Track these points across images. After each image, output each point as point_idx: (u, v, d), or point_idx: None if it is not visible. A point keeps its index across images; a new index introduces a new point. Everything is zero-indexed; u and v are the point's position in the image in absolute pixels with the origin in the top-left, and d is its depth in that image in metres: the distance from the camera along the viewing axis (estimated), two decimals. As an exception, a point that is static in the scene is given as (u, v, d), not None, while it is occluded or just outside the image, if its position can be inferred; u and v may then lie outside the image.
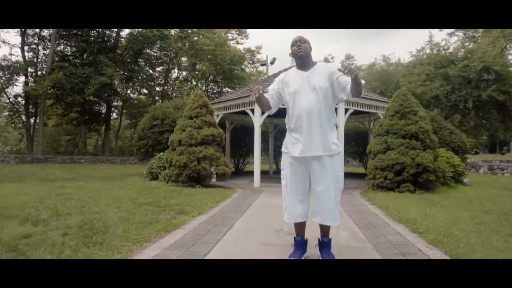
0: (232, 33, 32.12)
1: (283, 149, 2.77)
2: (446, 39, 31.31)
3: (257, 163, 8.58)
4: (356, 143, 13.37)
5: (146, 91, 29.64)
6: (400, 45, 70.37)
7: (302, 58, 2.67)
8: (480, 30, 27.94)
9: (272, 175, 12.33)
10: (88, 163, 19.49)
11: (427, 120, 7.56)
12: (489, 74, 17.06)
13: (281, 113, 2.85)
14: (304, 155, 2.54)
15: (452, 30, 28.48)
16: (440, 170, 7.20)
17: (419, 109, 7.55)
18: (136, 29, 24.37)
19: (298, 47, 2.66)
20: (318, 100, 2.50)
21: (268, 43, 67.70)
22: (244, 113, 10.02)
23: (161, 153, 9.44)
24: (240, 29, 31.69)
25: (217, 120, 9.63)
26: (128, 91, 26.74)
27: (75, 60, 21.93)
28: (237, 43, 32.34)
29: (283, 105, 2.78)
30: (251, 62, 34.06)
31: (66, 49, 22.29)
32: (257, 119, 8.45)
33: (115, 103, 26.01)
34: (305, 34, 2.84)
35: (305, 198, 2.69)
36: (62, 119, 24.83)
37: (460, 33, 28.51)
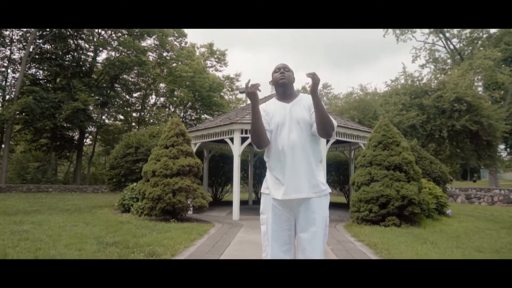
0: (211, 60, 32.26)
1: (263, 190, 2.41)
2: (419, 70, 32.60)
3: (236, 195, 8.16)
4: (336, 173, 13.21)
5: (122, 117, 28.91)
6: (376, 74, 73.01)
7: (284, 87, 2.39)
8: (449, 62, 29.32)
9: (251, 206, 11.87)
10: (56, 192, 18.39)
11: (410, 151, 7.44)
12: (461, 105, 17.58)
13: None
14: (288, 198, 2.20)
15: (423, 62, 29.71)
16: (424, 202, 7.01)
17: (401, 139, 7.44)
18: (113, 54, 24.01)
19: (282, 74, 2.40)
20: (301, 135, 2.21)
21: (247, 71, 68.71)
22: (223, 141, 9.68)
23: (134, 184, 8.88)
24: (221, 59, 31.90)
25: (194, 149, 9.22)
26: (103, 117, 25.95)
27: (47, 85, 21.13)
28: (216, 70, 32.46)
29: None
30: (230, 89, 34.15)
31: (38, 73, 21.49)
32: (237, 149, 8.11)
33: (90, 129, 25.11)
34: (285, 61, 2.61)
35: (291, 247, 2.30)
36: (31, 145, 23.60)
37: (431, 65, 29.77)
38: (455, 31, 27.98)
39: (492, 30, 27.80)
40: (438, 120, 17.65)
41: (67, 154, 25.09)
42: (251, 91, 2.10)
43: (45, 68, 20.52)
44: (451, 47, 28.40)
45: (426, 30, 28.66)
